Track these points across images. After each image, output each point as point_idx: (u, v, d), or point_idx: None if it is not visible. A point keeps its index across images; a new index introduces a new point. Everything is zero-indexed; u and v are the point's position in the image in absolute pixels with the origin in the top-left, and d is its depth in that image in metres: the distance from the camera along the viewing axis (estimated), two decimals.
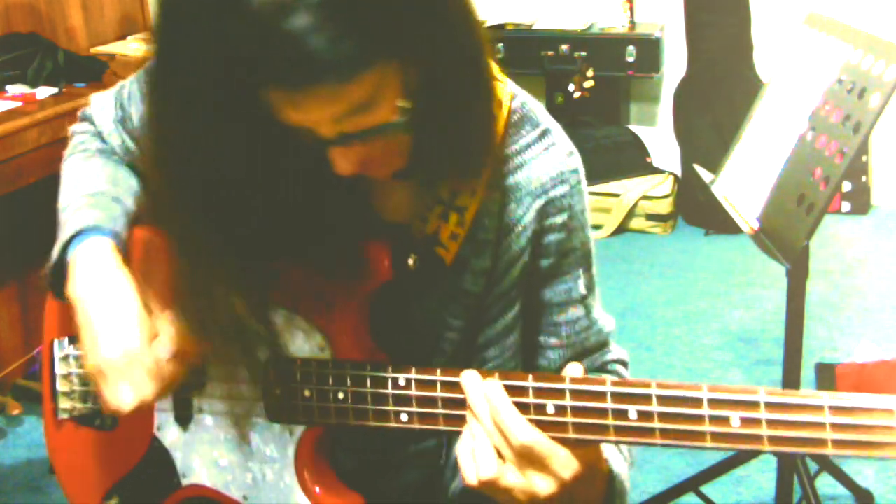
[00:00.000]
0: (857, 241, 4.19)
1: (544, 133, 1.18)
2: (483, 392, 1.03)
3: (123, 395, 1.12)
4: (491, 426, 1.01)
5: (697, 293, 3.77)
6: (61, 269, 1.19)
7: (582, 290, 1.23)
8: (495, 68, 1.14)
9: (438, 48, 0.97)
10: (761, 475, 2.64)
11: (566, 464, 1.00)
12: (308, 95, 0.93)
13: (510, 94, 1.17)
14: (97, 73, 3.18)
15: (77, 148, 1.34)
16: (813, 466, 2.35)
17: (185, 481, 1.25)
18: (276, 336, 1.14)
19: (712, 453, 2.70)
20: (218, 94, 0.93)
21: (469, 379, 1.04)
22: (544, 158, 1.17)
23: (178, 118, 0.97)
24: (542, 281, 1.21)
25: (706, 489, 2.43)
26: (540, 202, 1.17)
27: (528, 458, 1.00)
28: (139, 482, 1.29)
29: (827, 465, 2.42)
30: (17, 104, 2.87)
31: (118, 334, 1.12)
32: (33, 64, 3.04)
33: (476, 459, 1.01)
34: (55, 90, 3.01)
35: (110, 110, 1.33)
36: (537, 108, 1.20)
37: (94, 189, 1.25)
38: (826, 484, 2.54)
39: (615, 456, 1.14)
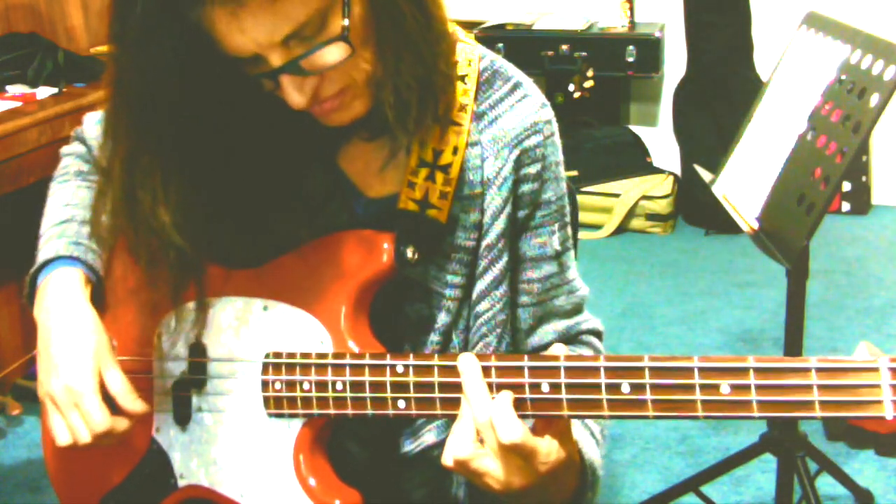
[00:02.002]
0: (857, 241, 4.19)
1: (516, 86, 1.22)
2: (482, 384, 1.03)
3: (59, 431, 1.16)
4: (483, 418, 1.01)
5: (697, 293, 3.77)
6: (34, 292, 1.24)
7: (556, 245, 1.25)
8: (462, 33, 1.20)
9: None
10: (761, 475, 2.64)
11: (545, 459, 1.01)
12: (245, 8, 0.96)
13: (479, 55, 1.22)
14: (97, 73, 3.17)
15: (58, 173, 1.38)
16: (813, 466, 2.35)
17: (181, 482, 1.25)
18: (197, 256, 1.14)
19: (712, 453, 2.70)
20: (158, 17, 0.96)
21: (466, 364, 1.04)
22: (518, 109, 1.21)
23: (124, 47, 1.01)
24: (519, 234, 1.24)
25: (706, 489, 2.43)
26: (516, 152, 1.20)
27: (512, 453, 1.00)
28: (136, 486, 1.28)
29: (827, 464, 2.42)
30: (17, 104, 2.86)
31: (64, 370, 1.15)
32: (33, 64, 3.04)
33: (454, 438, 1.03)
34: (55, 90, 3.01)
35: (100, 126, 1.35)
36: (507, 65, 1.24)
37: (64, 216, 1.29)
38: (826, 484, 2.53)
39: (588, 441, 1.15)
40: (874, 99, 1.77)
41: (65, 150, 1.40)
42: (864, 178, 4.45)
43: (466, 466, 1.02)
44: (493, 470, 1.01)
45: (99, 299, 1.24)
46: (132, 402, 1.16)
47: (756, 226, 2.00)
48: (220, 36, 0.99)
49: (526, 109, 1.21)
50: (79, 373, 1.14)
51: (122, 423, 1.16)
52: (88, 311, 1.19)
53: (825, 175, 1.84)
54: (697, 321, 3.55)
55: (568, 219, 1.28)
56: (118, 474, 1.30)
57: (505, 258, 1.22)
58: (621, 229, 4.36)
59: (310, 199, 1.16)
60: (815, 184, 1.86)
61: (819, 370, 0.92)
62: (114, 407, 1.16)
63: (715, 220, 4.14)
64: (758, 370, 0.94)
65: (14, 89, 2.98)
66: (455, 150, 1.18)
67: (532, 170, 1.21)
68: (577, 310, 1.31)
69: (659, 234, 4.35)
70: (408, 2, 1.05)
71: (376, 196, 1.22)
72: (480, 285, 1.22)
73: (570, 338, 1.30)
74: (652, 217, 4.36)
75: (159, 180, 1.07)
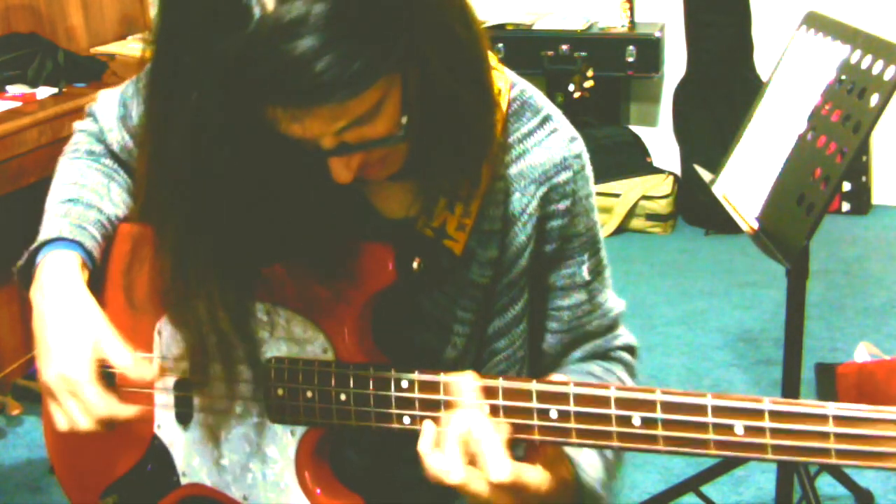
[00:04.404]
0: (857, 241, 4.19)
1: (545, 119, 1.18)
2: (478, 409, 1.02)
3: (57, 417, 1.16)
4: (476, 448, 1.00)
5: (697, 293, 3.77)
6: (30, 270, 1.23)
7: (586, 275, 1.22)
8: (493, 58, 1.14)
9: (439, 57, 0.97)
10: (761, 475, 2.64)
11: (535, 492, 1.00)
12: (312, 114, 0.93)
13: (509, 82, 1.17)
14: (97, 73, 3.18)
15: (70, 148, 1.36)
16: (813, 466, 2.35)
17: (184, 480, 1.25)
18: (257, 348, 1.14)
19: None
20: (216, 106, 0.92)
21: (466, 386, 1.04)
22: (546, 145, 1.17)
23: (173, 123, 0.96)
24: (546, 265, 1.21)
25: (706, 489, 2.43)
26: (543, 189, 1.17)
27: (501, 489, 0.99)
28: (138, 480, 1.29)
29: (827, 464, 2.41)
30: (17, 104, 2.86)
31: (58, 358, 1.14)
32: (33, 64, 3.04)
33: (445, 461, 1.01)
34: (55, 90, 3.01)
35: (114, 108, 1.34)
36: (537, 95, 1.20)
37: (70, 195, 1.28)
38: (826, 484, 2.54)
39: (591, 460, 1.13)
40: (874, 99, 1.77)
41: (77, 125, 1.38)
42: (864, 178, 4.45)
43: (464, 490, 1.01)
44: (485, 494, 1.00)
45: (93, 288, 1.22)
46: (144, 370, 1.15)
47: (756, 226, 2.00)
48: (276, 124, 0.95)
49: (555, 144, 1.17)
50: (74, 360, 1.13)
51: (124, 410, 1.16)
52: (85, 296, 1.18)
53: (825, 175, 1.84)
54: (697, 321, 3.55)
55: (600, 244, 1.24)
56: (120, 467, 1.30)
57: (526, 296, 1.20)
58: (621, 229, 4.36)
59: (325, 213, 1.13)
60: (815, 184, 1.86)
61: (837, 418, 0.90)
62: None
63: (715, 220, 4.14)
64: (773, 413, 0.92)
65: (14, 89, 2.98)
66: (477, 182, 1.13)
67: (561, 206, 1.17)
68: (610, 328, 1.28)
69: (659, 234, 4.35)
70: (469, 70, 1.02)
71: (394, 217, 1.19)
72: (499, 322, 1.20)
73: (600, 355, 1.28)
74: (652, 217, 4.36)
75: (221, 280, 1.04)
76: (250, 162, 0.98)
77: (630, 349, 1.31)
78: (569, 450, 1.09)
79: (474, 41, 1.03)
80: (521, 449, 1.05)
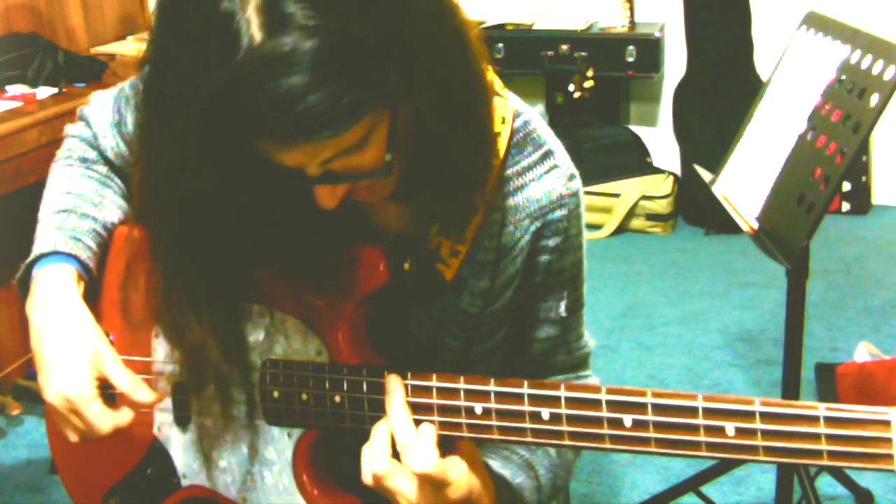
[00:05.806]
0: (857, 241, 4.19)
1: (546, 155, 1.17)
2: (405, 405, 1.05)
3: (67, 432, 1.18)
4: (403, 440, 1.03)
5: (697, 293, 3.77)
6: (27, 282, 1.23)
7: (562, 311, 1.22)
8: (498, 84, 1.13)
9: (429, 96, 0.97)
10: (761, 475, 2.64)
11: (455, 489, 1.03)
12: (296, 148, 0.93)
13: (513, 111, 1.15)
14: (97, 73, 3.18)
15: (62, 155, 1.35)
16: (813, 467, 2.35)
17: (185, 482, 1.25)
18: (250, 374, 1.17)
19: None
20: (201, 133, 0.92)
21: (395, 384, 1.06)
22: (545, 181, 1.16)
23: (161, 145, 0.96)
24: (527, 297, 1.21)
25: (706, 489, 2.43)
26: (537, 224, 1.16)
27: (423, 480, 1.02)
28: (139, 482, 1.29)
29: (820, 465, 2.41)
30: (17, 104, 2.87)
31: (58, 377, 1.15)
32: (33, 64, 3.04)
33: (370, 453, 1.04)
34: (55, 90, 3.01)
35: (108, 112, 1.33)
36: (541, 128, 1.18)
37: (64, 205, 1.27)
38: (826, 484, 2.54)
39: (516, 473, 1.16)
40: (874, 99, 1.77)
41: (69, 129, 1.37)
42: (864, 178, 4.45)
43: (381, 482, 1.03)
44: (406, 490, 1.02)
45: (89, 298, 1.22)
46: (143, 394, 1.17)
47: (756, 226, 2.00)
48: (262, 153, 0.96)
49: (553, 182, 1.16)
50: (74, 379, 1.14)
51: (126, 415, 1.17)
52: (82, 311, 1.18)
53: (825, 175, 1.84)
54: (697, 321, 3.55)
55: (582, 282, 1.24)
56: (121, 470, 1.30)
57: (506, 327, 1.20)
58: (621, 229, 4.36)
59: (321, 225, 1.13)
60: (815, 184, 1.86)
61: (828, 420, 0.90)
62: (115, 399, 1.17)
63: (715, 220, 4.14)
64: (764, 415, 0.93)
65: (14, 89, 2.98)
66: (474, 211, 1.13)
67: (552, 242, 1.17)
68: (576, 367, 1.28)
69: (659, 234, 4.35)
70: (462, 105, 1.01)
71: (390, 232, 1.19)
72: (477, 350, 1.20)
73: None
74: (652, 217, 4.36)
75: (204, 298, 1.07)
76: (238, 185, 0.98)
77: None
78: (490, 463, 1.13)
79: (471, 79, 1.02)
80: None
